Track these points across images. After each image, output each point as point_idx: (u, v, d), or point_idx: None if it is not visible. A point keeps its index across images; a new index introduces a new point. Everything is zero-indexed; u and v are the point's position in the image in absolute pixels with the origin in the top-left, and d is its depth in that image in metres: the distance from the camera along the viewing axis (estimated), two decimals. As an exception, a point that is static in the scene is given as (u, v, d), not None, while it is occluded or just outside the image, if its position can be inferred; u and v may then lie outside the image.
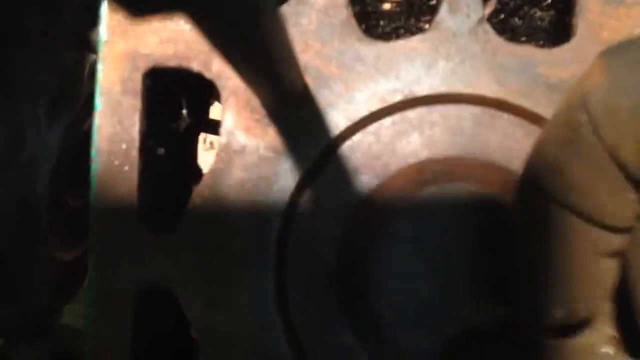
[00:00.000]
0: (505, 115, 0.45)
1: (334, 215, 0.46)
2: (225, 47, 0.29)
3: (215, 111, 0.86)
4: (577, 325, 0.38)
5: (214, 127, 1.15)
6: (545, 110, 0.44)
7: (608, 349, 0.43)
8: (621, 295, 0.40)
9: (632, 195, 0.32)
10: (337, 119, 0.45)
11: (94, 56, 1.02)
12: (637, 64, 0.30)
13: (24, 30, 0.93)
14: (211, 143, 1.57)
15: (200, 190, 0.45)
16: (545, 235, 0.36)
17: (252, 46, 0.29)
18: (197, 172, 0.68)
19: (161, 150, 0.49)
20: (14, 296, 1.00)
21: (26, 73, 0.91)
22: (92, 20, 1.07)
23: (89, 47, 1.06)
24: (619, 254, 0.35)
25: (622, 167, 0.31)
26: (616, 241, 0.35)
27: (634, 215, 0.33)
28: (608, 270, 0.36)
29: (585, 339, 0.42)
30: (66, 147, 0.96)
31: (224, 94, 0.45)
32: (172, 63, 0.45)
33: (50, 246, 0.98)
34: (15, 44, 0.91)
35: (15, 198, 0.88)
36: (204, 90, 0.59)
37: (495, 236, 0.45)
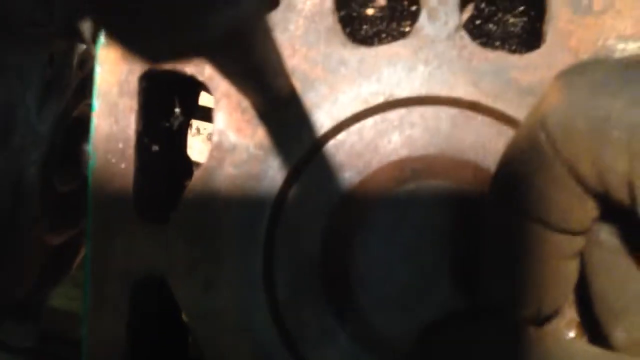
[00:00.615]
0: (480, 117, 0.48)
1: (318, 208, 0.49)
2: (215, 58, 0.31)
3: (202, 98, 0.89)
4: (544, 318, 0.42)
5: (201, 114, 1.17)
6: (517, 112, 0.47)
7: (572, 333, 0.47)
8: (580, 285, 0.44)
9: (591, 203, 0.35)
10: (322, 120, 0.48)
11: (83, 46, 1.04)
12: (591, 87, 0.32)
13: (14, 19, 0.94)
14: (197, 129, 1.59)
15: (193, 185, 0.48)
16: (513, 245, 0.39)
17: (241, 54, 0.31)
18: (187, 160, 0.71)
19: (155, 147, 0.52)
20: (2, 279, 1.02)
21: (16, 62, 0.92)
22: (82, 10, 1.08)
23: (78, 36, 1.07)
24: (580, 253, 0.39)
25: (580, 182, 0.33)
26: (578, 243, 0.38)
27: (592, 219, 0.36)
28: (572, 270, 0.39)
29: (552, 325, 0.46)
30: (56, 134, 0.98)
31: (216, 96, 0.48)
32: (167, 66, 0.48)
33: (40, 230, 1.00)
34: (5, 33, 0.92)
35: (5, 183, 0.90)
36: (196, 88, 0.61)
37: (468, 227, 0.48)
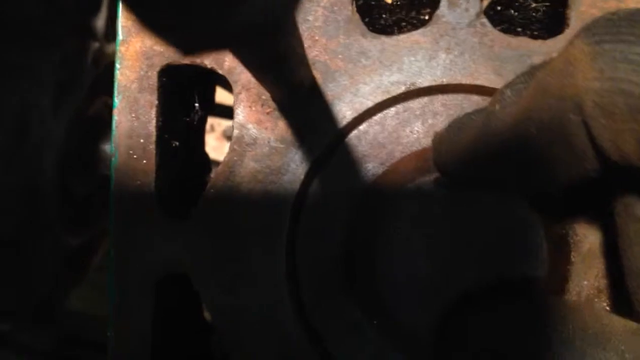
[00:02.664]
0: None
1: (341, 201, 0.48)
2: (239, 48, 0.31)
3: (218, 95, 0.88)
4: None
5: (215, 110, 1.18)
6: None
7: (604, 304, 0.46)
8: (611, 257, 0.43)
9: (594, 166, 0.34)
10: (344, 111, 0.48)
11: (97, 44, 1.04)
12: (628, 60, 0.30)
13: (26, 19, 0.94)
14: (211, 126, 1.59)
15: (215, 181, 0.48)
16: None
17: (266, 46, 0.31)
18: (205, 156, 0.70)
19: (176, 143, 0.51)
20: (21, 281, 1.03)
21: (29, 62, 0.93)
22: (93, 7, 1.09)
23: (91, 34, 1.08)
24: None
25: (623, 158, 0.31)
26: None
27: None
28: None
29: (583, 295, 0.45)
30: (72, 135, 0.98)
31: (235, 89, 0.48)
32: (186, 60, 0.48)
33: (57, 232, 1.00)
34: (18, 33, 0.92)
35: (22, 185, 0.90)
36: (214, 82, 0.61)
37: (490, 215, 0.48)
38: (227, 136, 1.47)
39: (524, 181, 0.38)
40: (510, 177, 0.38)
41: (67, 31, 1.02)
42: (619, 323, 0.37)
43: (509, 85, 0.38)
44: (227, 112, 1.32)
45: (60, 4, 0.99)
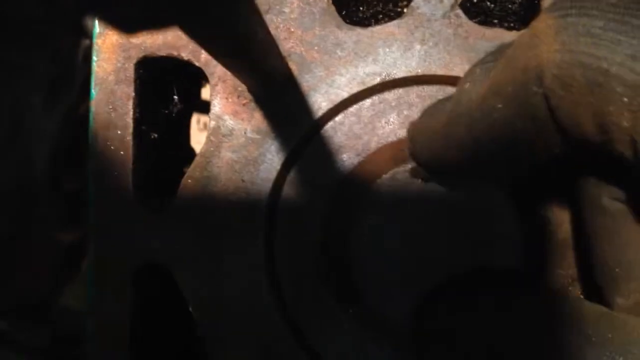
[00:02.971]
0: None
1: (318, 190, 0.49)
2: (205, 40, 0.31)
3: (207, 92, 0.89)
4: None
5: (207, 108, 1.18)
6: None
7: (575, 290, 0.47)
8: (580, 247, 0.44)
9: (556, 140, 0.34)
10: (320, 102, 0.48)
11: (87, 41, 1.04)
12: (590, 34, 0.30)
13: (22, 16, 0.95)
14: (204, 124, 1.59)
15: (192, 171, 0.48)
16: None
17: (230, 37, 0.31)
18: (191, 152, 0.71)
19: (154, 135, 0.52)
20: (15, 278, 1.03)
21: (23, 59, 0.93)
22: (84, 6, 1.09)
23: (84, 32, 1.08)
24: None
25: (578, 133, 0.32)
26: None
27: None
28: None
29: (555, 282, 0.46)
30: (63, 132, 0.98)
31: (212, 80, 0.48)
32: (163, 52, 0.48)
33: (49, 228, 1.00)
34: (18, 33, 0.93)
35: (15, 181, 0.91)
36: (195, 75, 0.61)
37: (463, 204, 0.48)
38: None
39: (494, 162, 0.38)
40: (481, 159, 0.38)
41: (62, 29, 1.02)
42: (588, 308, 0.37)
43: (478, 64, 0.38)
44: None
45: (61, 3, 0.99)
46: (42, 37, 0.97)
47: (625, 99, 0.29)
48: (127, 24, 0.20)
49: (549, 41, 0.31)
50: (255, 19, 0.31)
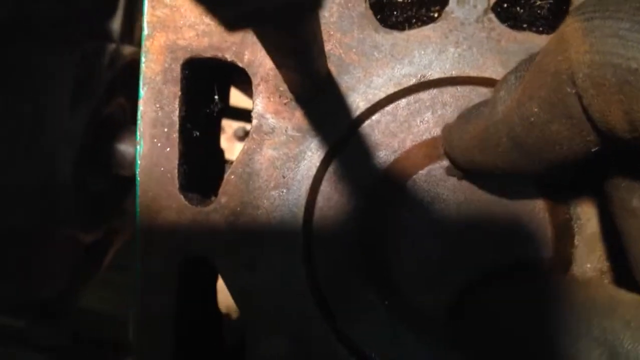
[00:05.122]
0: None
1: (355, 186, 0.51)
2: (274, 41, 0.34)
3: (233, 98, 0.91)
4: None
5: (227, 112, 1.20)
6: None
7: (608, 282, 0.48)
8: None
9: (592, 138, 0.36)
10: (358, 101, 0.50)
11: (113, 45, 1.07)
12: (618, 35, 0.31)
13: (44, 20, 0.97)
14: (222, 127, 1.62)
15: (234, 167, 0.51)
16: None
17: (299, 44, 0.33)
18: (222, 154, 0.73)
19: (197, 133, 0.54)
20: (36, 275, 1.05)
21: (43, 62, 0.96)
22: (110, 9, 1.12)
23: (108, 36, 1.10)
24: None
25: (610, 130, 0.34)
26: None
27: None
28: None
29: (588, 274, 0.48)
30: (88, 134, 1.01)
31: (254, 80, 0.50)
32: (208, 54, 0.50)
33: (72, 228, 1.02)
34: (36, 34, 0.95)
35: (39, 179, 0.93)
36: (230, 77, 0.63)
37: (496, 200, 0.50)
38: (238, 137, 1.49)
39: (531, 164, 0.40)
40: (517, 160, 0.40)
41: (85, 32, 1.05)
42: (626, 296, 0.39)
43: (512, 72, 0.40)
44: (237, 114, 1.35)
45: (78, 5, 1.02)
46: (68, 40, 1.00)
47: None
48: (232, 22, 0.22)
49: (577, 44, 0.33)
50: (317, 21, 0.33)
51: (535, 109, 0.36)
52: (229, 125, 1.47)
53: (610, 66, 0.32)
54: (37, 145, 0.93)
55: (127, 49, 1.09)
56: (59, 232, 1.02)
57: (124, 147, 1.08)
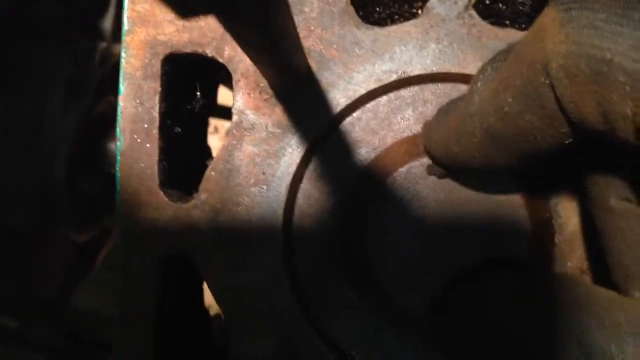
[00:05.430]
0: None
1: (335, 184, 0.51)
2: (239, 33, 0.33)
3: (221, 96, 0.91)
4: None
5: (219, 111, 1.20)
6: None
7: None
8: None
9: (565, 129, 0.36)
10: (338, 98, 0.50)
11: (104, 44, 1.06)
12: (593, 26, 0.31)
13: (40, 20, 0.97)
14: (215, 127, 1.62)
15: (214, 164, 0.50)
16: None
17: (264, 31, 0.33)
18: (207, 151, 0.73)
19: (178, 129, 0.54)
20: (30, 275, 1.04)
21: (42, 61, 0.95)
22: (102, 8, 1.11)
23: (99, 35, 1.10)
24: None
25: (582, 121, 0.33)
26: None
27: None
28: None
29: (567, 271, 0.47)
30: (80, 133, 1.01)
31: (235, 76, 0.50)
32: (188, 49, 0.50)
33: (66, 228, 1.02)
34: (35, 34, 0.95)
35: (36, 179, 0.93)
36: (214, 74, 0.63)
37: (476, 198, 0.50)
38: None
39: (507, 155, 0.40)
40: (492, 152, 0.40)
41: (78, 32, 1.04)
42: (603, 293, 0.38)
43: (489, 62, 0.40)
44: (230, 113, 1.34)
45: (76, 5, 1.02)
46: (62, 40, 1.00)
47: (628, 88, 0.30)
48: (184, 8, 0.22)
49: (554, 34, 0.33)
50: (287, 14, 0.33)
51: (510, 99, 0.36)
52: (222, 126, 1.47)
53: (584, 56, 0.31)
54: (37, 145, 0.93)
55: (118, 48, 1.09)
56: (55, 231, 1.01)
57: (114, 146, 1.08)
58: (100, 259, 1.24)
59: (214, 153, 0.77)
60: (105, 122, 1.11)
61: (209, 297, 0.65)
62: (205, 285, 0.63)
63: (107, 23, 1.10)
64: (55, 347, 1.39)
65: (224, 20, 0.28)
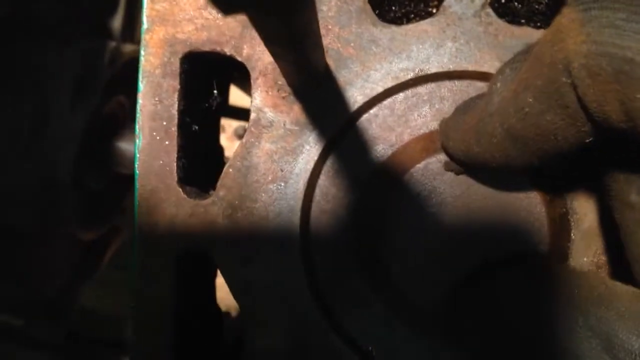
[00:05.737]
0: None
1: (352, 180, 0.51)
2: (268, 29, 0.34)
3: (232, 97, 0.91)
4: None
5: (226, 111, 1.20)
6: None
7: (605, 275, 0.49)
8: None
9: (587, 128, 0.36)
10: (355, 96, 0.50)
11: (113, 43, 1.07)
12: (614, 25, 0.32)
13: (46, 19, 0.98)
14: (222, 126, 1.63)
15: (233, 161, 0.51)
16: None
17: (292, 27, 0.33)
18: (220, 150, 0.73)
19: (195, 127, 0.54)
20: (36, 274, 1.05)
21: (45, 61, 0.96)
22: (110, 7, 1.12)
23: (108, 34, 1.11)
24: None
25: (605, 120, 0.34)
26: None
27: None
28: None
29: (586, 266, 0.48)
30: (88, 132, 1.01)
31: (253, 74, 0.50)
32: (207, 47, 0.50)
33: (72, 226, 1.03)
34: (36, 34, 0.96)
35: (40, 177, 0.93)
36: (228, 71, 0.64)
37: (492, 195, 0.50)
38: (238, 135, 1.49)
39: (527, 154, 0.40)
40: (512, 152, 0.40)
41: (86, 31, 1.05)
42: (622, 288, 0.39)
43: (508, 64, 0.41)
44: (237, 113, 1.35)
45: (79, 4, 1.02)
46: (68, 39, 1.00)
47: None
48: (226, 5, 0.22)
49: (574, 34, 0.33)
50: (314, 10, 0.33)
51: (530, 99, 0.36)
52: (229, 125, 1.48)
53: (606, 56, 0.32)
54: (39, 144, 0.93)
55: (128, 47, 1.10)
56: (60, 230, 1.02)
57: (123, 146, 1.09)
58: (107, 258, 1.25)
59: (224, 152, 0.77)
60: (114, 121, 1.11)
61: (219, 294, 0.66)
62: (217, 283, 0.64)
63: (117, 22, 1.10)
64: (57, 346, 1.40)
65: (256, 16, 0.28)
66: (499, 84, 0.40)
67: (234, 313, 1.14)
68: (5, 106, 0.92)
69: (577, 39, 0.33)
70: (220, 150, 0.71)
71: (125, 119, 1.14)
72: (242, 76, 0.53)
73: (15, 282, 1.05)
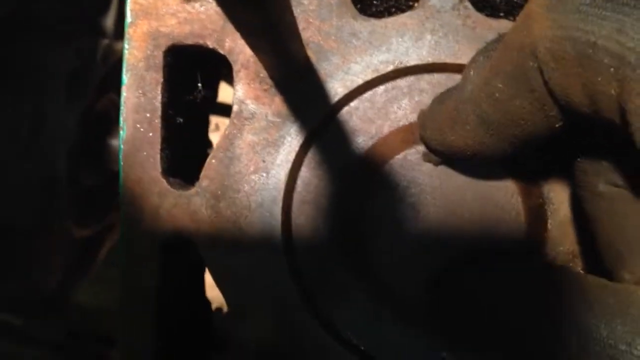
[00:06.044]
0: None
1: (333, 171, 0.52)
2: (240, 23, 0.35)
3: (222, 95, 0.92)
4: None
5: (221, 109, 1.21)
6: None
7: (577, 266, 0.49)
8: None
9: (554, 113, 0.37)
10: (336, 88, 0.51)
11: (106, 41, 1.08)
12: (578, 10, 0.32)
13: (43, 17, 0.98)
14: (216, 125, 1.63)
15: (215, 152, 0.52)
16: None
17: (263, 21, 0.34)
18: (209, 145, 0.74)
19: (180, 119, 0.55)
20: (33, 271, 1.06)
21: (43, 59, 0.97)
22: (103, 5, 1.13)
23: (101, 32, 1.11)
24: None
25: (569, 104, 0.35)
26: None
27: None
28: None
29: (557, 256, 0.48)
30: (82, 129, 1.02)
31: (235, 67, 0.51)
32: (190, 41, 0.51)
33: (67, 223, 1.03)
34: (37, 33, 0.96)
35: (37, 175, 0.94)
36: (215, 67, 0.64)
37: (470, 185, 0.51)
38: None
39: (498, 141, 0.41)
40: (485, 139, 0.41)
41: (80, 29, 1.06)
42: (593, 280, 0.40)
43: (481, 52, 0.41)
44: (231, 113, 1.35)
45: (77, 3, 1.03)
46: (63, 37, 1.01)
47: (612, 69, 0.32)
48: None
49: (541, 19, 0.34)
50: (284, 1, 0.34)
51: (500, 85, 0.37)
52: (223, 123, 1.48)
53: (570, 40, 0.33)
54: (37, 142, 0.94)
55: (120, 45, 1.10)
56: (56, 227, 1.02)
57: (116, 142, 1.10)
58: (102, 255, 1.25)
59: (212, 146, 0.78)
60: (107, 118, 1.12)
61: (211, 290, 0.66)
62: (206, 276, 0.65)
63: (109, 20, 1.11)
64: (54, 343, 1.40)
65: (224, 6, 0.29)
66: (471, 72, 0.41)
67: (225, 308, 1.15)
68: (6, 106, 0.92)
69: (543, 24, 0.34)
70: (208, 143, 0.72)
71: (118, 116, 1.14)
72: (230, 73, 0.54)
73: (14, 280, 1.05)
